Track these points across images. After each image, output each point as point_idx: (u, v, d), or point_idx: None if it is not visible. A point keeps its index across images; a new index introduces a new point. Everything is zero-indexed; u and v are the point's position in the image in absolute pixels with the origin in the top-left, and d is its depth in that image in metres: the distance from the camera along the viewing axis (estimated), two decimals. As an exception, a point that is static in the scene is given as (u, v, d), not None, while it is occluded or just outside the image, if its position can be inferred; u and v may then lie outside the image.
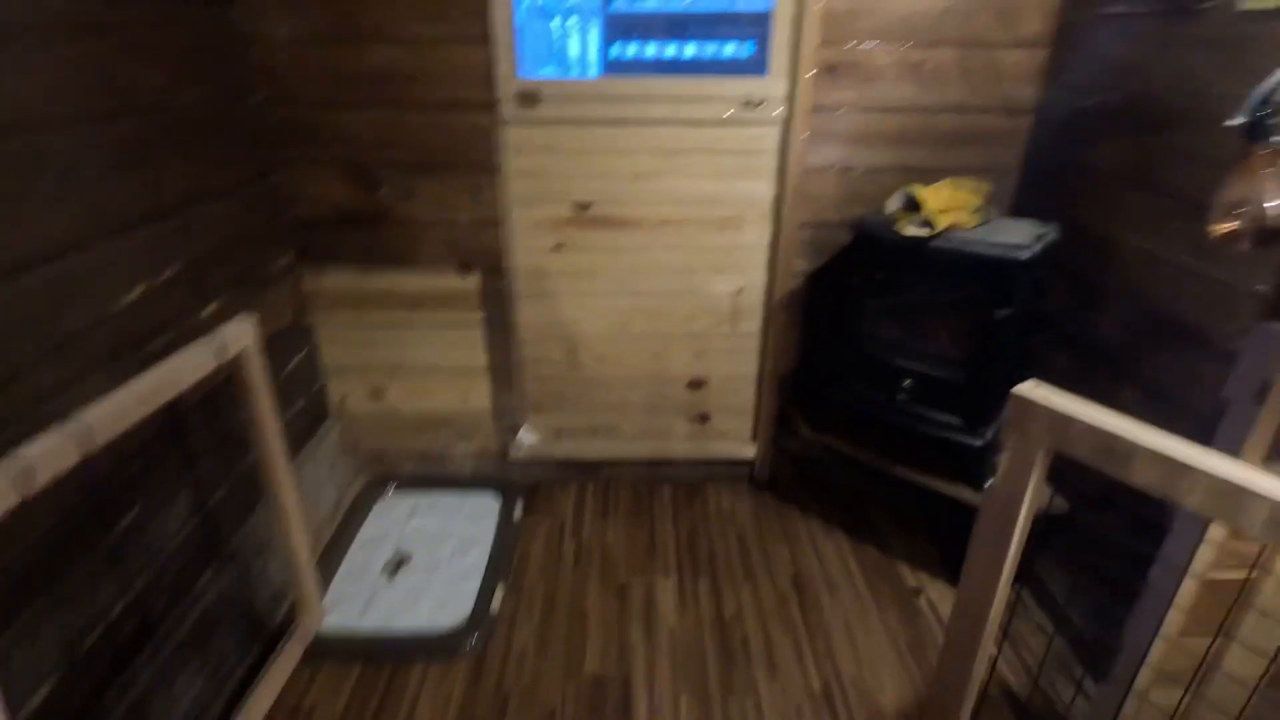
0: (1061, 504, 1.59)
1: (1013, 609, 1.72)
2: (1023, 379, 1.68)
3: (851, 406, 1.75)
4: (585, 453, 2.17)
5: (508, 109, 1.74)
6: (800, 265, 1.92)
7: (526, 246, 1.91)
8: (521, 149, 1.79)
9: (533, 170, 1.82)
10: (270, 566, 1.63)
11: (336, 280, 1.93)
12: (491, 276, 1.92)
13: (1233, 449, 0.89)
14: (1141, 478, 0.76)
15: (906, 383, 1.65)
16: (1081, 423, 0.84)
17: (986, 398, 1.58)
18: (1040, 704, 1.49)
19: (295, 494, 1.50)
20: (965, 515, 1.73)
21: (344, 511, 2.05)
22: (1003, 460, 0.91)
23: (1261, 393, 0.84)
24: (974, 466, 1.62)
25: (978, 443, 1.57)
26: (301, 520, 1.52)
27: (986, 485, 0.94)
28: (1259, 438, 0.86)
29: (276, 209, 1.81)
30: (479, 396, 2.09)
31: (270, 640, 1.60)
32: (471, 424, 2.14)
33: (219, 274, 1.53)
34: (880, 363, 1.68)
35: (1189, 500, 0.72)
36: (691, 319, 2.00)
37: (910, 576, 1.84)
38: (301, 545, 1.52)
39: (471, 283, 1.93)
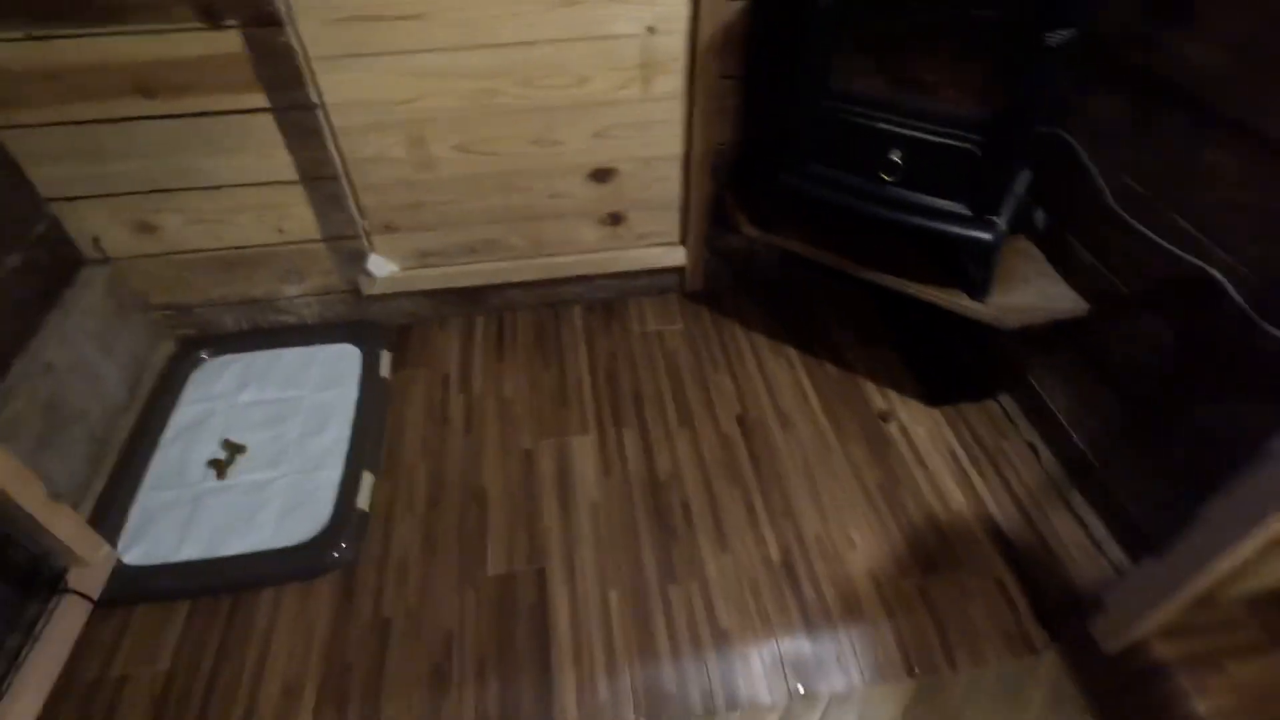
0: (1079, 304, 1.23)
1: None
2: (1055, 140, 1.21)
3: (813, 194, 1.25)
4: (464, 278, 1.65)
5: None
6: (738, -19, 1.28)
7: (303, -29, 1.18)
8: None
9: None
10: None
11: (2, 53, 1.18)
12: (259, 28, 1.21)
13: None
14: None
15: (894, 155, 1.15)
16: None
17: (1007, 172, 1.12)
18: (1029, 537, 1.26)
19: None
20: (939, 319, 1.37)
21: (145, 393, 1.53)
22: None
23: None
24: (978, 267, 1.20)
25: (988, 236, 1.14)
26: (3, 456, 1.00)
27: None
28: None
29: None
30: (299, 219, 1.49)
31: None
32: (299, 257, 1.55)
33: None
34: (857, 128, 1.16)
35: None
36: (584, 80, 1.38)
37: (877, 397, 1.52)
38: (17, 478, 1.02)
39: (230, 41, 1.22)
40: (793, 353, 1.62)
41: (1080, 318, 1.23)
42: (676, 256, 1.68)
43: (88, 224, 1.43)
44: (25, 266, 1.31)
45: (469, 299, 1.71)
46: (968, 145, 1.08)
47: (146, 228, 1.45)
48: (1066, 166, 1.21)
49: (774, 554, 1.25)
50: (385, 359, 1.60)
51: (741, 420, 1.48)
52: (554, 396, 1.54)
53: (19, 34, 1.16)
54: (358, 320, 1.68)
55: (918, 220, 1.16)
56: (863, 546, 1.26)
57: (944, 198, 1.15)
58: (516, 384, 1.57)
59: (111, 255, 1.48)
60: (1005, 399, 1.49)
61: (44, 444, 1.25)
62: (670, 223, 1.65)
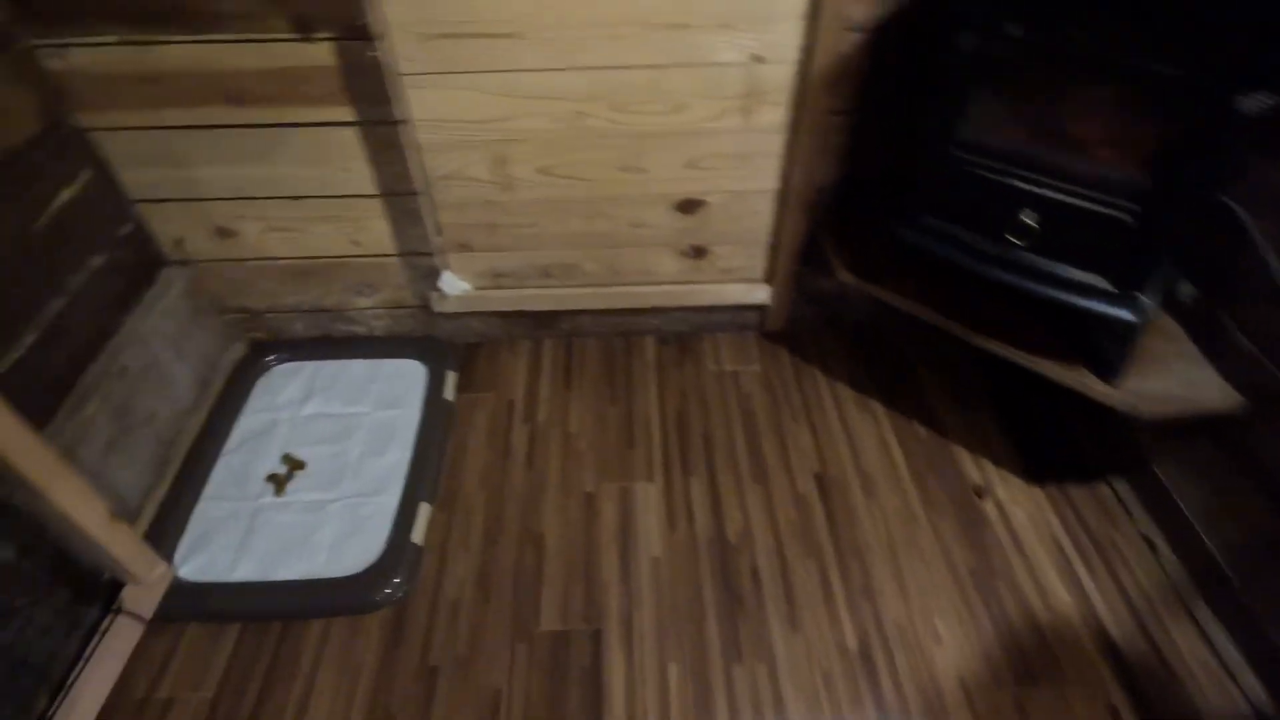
0: (1230, 396, 1.07)
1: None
2: (1215, 205, 1.03)
3: (926, 250, 1.14)
4: (536, 302, 1.59)
5: None
6: (861, 13, 1.17)
7: (400, -14, 1.13)
8: None
9: None
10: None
11: (100, 57, 1.17)
12: (351, 42, 1.17)
13: None
14: None
15: (1028, 217, 1.02)
16: None
17: (1162, 246, 0.98)
18: (1145, 651, 1.12)
19: (47, 449, 0.95)
20: (1047, 387, 1.20)
21: (213, 396, 1.52)
22: None
23: None
24: (1113, 347, 1.07)
25: (1131, 316, 1.00)
26: (65, 468, 0.98)
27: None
28: None
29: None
30: (375, 232, 1.45)
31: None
32: (372, 270, 1.52)
33: None
34: (987, 183, 1.04)
35: None
36: (681, 107, 1.29)
37: (971, 467, 1.39)
38: (81, 498, 1.00)
39: (322, 53, 1.18)
40: (879, 408, 1.50)
41: (1236, 414, 1.07)
42: (759, 294, 1.58)
43: (171, 226, 1.42)
44: (109, 267, 1.31)
45: (539, 322, 1.65)
46: (1120, 213, 0.95)
47: (226, 233, 1.44)
48: (1226, 237, 1.06)
49: (850, 639, 1.15)
50: (451, 380, 1.55)
51: (820, 479, 1.37)
52: (620, 435, 1.46)
53: (114, 38, 1.15)
54: (426, 336, 1.64)
55: (1049, 291, 1.03)
56: (950, 642, 1.14)
57: (1083, 268, 1.02)
58: (582, 417, 1.50)
59: (191, 258, 1.47)
60: (1119, 484, 1.34)
61: (113, 447, 1.24)
62: (756, 259, 1.55)
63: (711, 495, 1.35)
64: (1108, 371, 1.09)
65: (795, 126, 1.31)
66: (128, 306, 1.35)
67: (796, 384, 1.56)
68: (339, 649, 1.15)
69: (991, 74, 0.98)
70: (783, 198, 1.42)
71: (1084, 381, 1.11)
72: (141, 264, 1.41)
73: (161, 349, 1.39)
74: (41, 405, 1.12)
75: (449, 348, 1.62)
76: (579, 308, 1.60)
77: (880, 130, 1.30)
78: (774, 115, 1.30)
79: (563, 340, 1.67)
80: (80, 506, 0.98)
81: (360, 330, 1.64)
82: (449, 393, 1.53)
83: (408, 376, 1.57)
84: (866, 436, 1.45)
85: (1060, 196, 0.99)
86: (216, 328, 1.57)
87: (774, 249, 1.51)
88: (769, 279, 1.57)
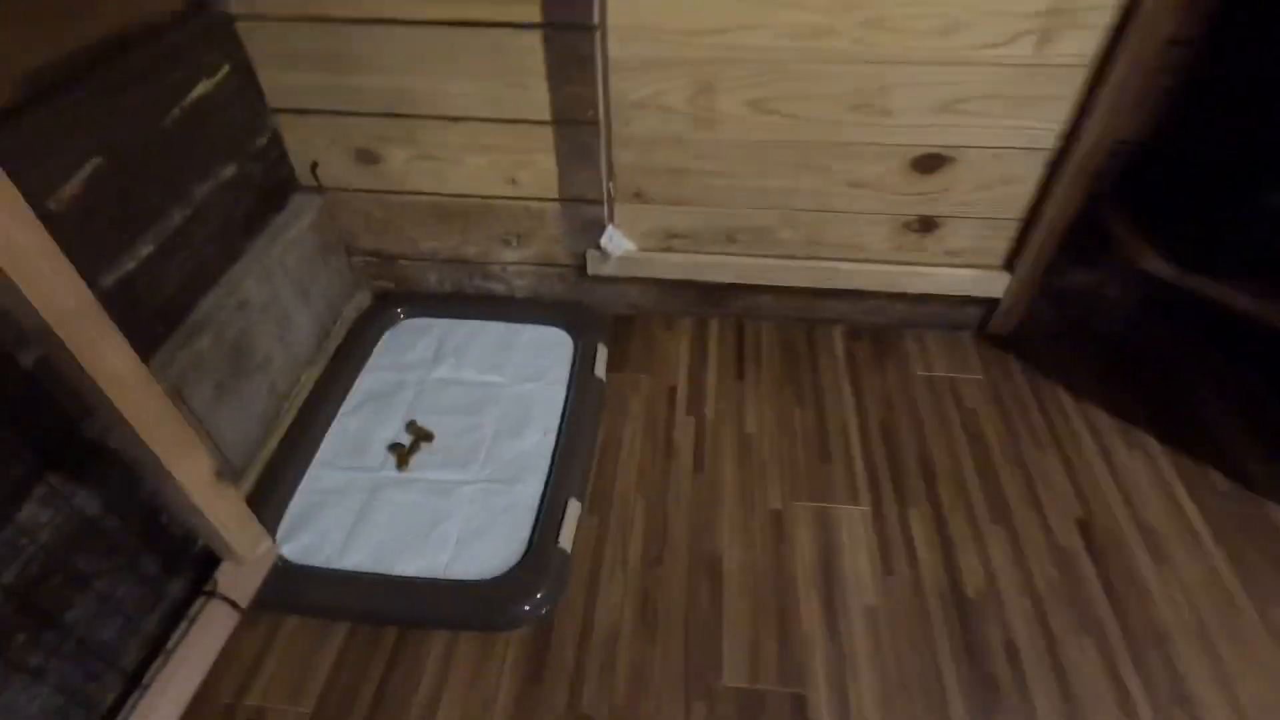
0: None
1: None
2: None
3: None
4: (712, 272, 1.32)
5: None
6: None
7: None
8: None
9: None
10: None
11: (258, -79, 0.98)
12: (558, -89, 0.93)
13: None
14: None
15: None
16: None
17: None
18: None
19: (150, 389, 0.73)
20: None
21: (333, 348, 1.32)
22: None
23: None
24: None
25: None
26: (172, 410, 0.76)
27: None
28: None
29: None
30: (538, 170, 1.21)
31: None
32: (526, 217, 1.28)
33: None
34: None
35: None
36: (955, 27, 0.99)
37: (1298, 537, 1.03)
38: (186, 449, 0.78)
39: (518, -72, 0.95)
40: (1154, 445, 1.15)
41: None
42: (994, 285, 1.26)
43: (310, 144, 1.23)
44: (238, 181, 1.12)
45: (708, 297, 1.38)
46: None
47: (369, 158, 1.23)
48: None
49: (1165, 765, 0.81)
50: (602, 355, 1.30)
51: (1085, 530, 1.04)
52: (811, 444, 1.17)
53: (281, -104, 0.95)
54: (574, 302, 1.39)
55: None
56: (1322, 791, 0.79)
57: None
58: (761, 417, 1.22)
59: (326, 185, 1.27)
60: None
61: (222, 393, 1.04)
62: (998, 240, 1.22)
63: (938, 533, 1.04)
64: None
65: (1108, 60, 0.98)
66: (253, 231, 1.16)
67: (1035, 403, 1.23)
68: (467, 674, 0.90)
69: None
70: (1060, 158, 1.10)
71: None
72: (272, 185, 1.22)
73: (284, 285, 1.20)
74: (150, 332, 0.93)
75: (600, 318, 1.37)
76: (762, 283, 1.32)
77: (1241, 70, 0.96)
78: (1079, 44, 0.98)
79: (732, 321, 1.40)
80: (184, 460, 0.76)
81: (498, 289, 1.41)
82: (600, 370, 1.28)
83: (552, 347, 1.32)
84: (1142, 480, 1.10)
85: None
86: (343, 270, 1.37)
87: (1026, 227, 1.19)
88: (1010, 266, 1.24)
